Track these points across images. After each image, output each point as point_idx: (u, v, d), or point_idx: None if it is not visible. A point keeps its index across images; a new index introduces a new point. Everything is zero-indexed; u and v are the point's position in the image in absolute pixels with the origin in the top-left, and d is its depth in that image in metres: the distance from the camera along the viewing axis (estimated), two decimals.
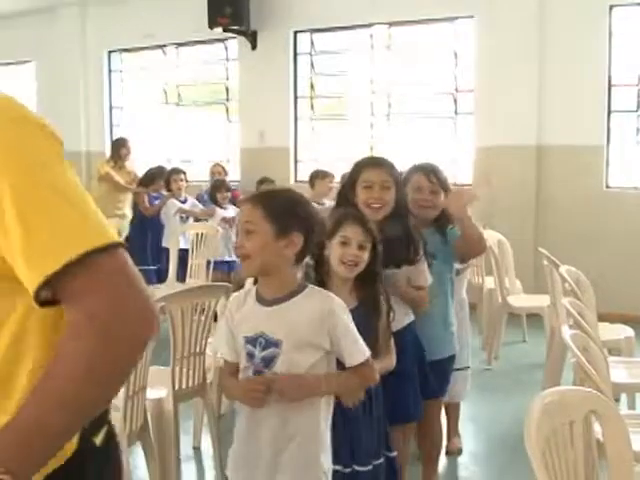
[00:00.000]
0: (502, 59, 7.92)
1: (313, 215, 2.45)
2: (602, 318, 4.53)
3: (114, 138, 9.34)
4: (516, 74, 7.86)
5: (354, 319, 2.56)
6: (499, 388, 5.53)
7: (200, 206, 8.13)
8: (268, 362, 2.40)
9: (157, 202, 8.25)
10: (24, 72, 11.98)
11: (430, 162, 3.80)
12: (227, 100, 10.32)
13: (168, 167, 8.80)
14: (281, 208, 2.37)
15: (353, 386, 2.53)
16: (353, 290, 2.90)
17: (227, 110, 10.33)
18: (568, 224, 7.67)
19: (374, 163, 3.37)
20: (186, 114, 10.72)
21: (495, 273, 6.16)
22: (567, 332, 2.91)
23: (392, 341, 3.01)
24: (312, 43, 9.52)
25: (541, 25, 7.79)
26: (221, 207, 7.92)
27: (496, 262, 6.13)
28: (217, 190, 8.03)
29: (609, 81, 7.71)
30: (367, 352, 2.47)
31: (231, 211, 7.85)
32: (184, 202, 8.05)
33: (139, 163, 9.34)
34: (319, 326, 2.39)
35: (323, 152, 9.51)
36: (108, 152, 11.13)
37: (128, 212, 8.90)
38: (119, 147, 9.12)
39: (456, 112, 8.70)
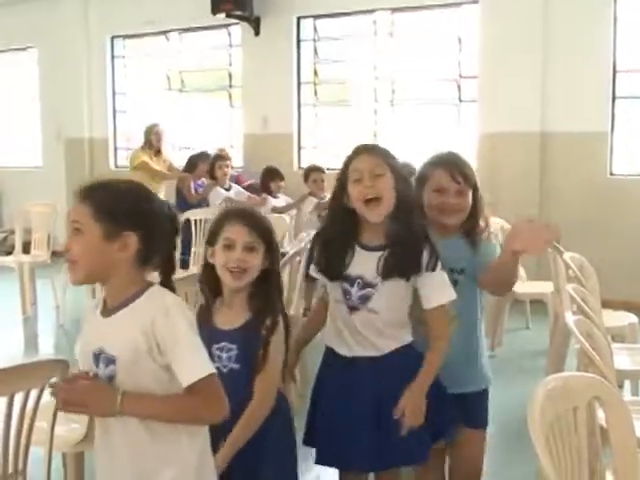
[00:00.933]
0: (506, 45, 7.89)
1: (154, 210, 2.06)
2: (605, 305, 4.51)
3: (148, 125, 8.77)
4: (520, 60, 7.83)
5: (244, 334, 2.45)
6: (502, 374, 5.50)
7: (246, 193, 7.90)
8: (110, 381, 2.01)
9: (201, 190, 8.03)
10: (26, 58, 11.95)
11: (452, 152, 2.99)
12: (230, 86, 10.29)
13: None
14: (111, 204, 2.01)
15: (186, 411, 2.01)
16: (247, 301, 2.54)
17: (230, 96, 10.31)
18: (571, 211, 7.65)
19: (360, 150, 2.68)
20: (189, 100, 10.71)
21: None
22: (571, 318, 2.90)
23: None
24: (315, 29, 9.49)
25: (545, 11, 7.76)
26: (273, 196, 7.79)
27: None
28: (270, 178, 7.88)
29: (614, 67, 7.67)
30: (208, 369, 1.97)
31: (282, 200, 7.76)
32: (228, 190, 7.81)
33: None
34: (151, 332, 1.95)
35: (326, 138, 9.50)
36: (112, 138, 11.17)
37: None
38: (148, 134, 8.63)
39: (460, 99, 8.68)
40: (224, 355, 2.47)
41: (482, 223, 2.88)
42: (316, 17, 9.41)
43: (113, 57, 11.18)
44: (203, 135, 10.45)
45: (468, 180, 2.83)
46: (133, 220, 2.00)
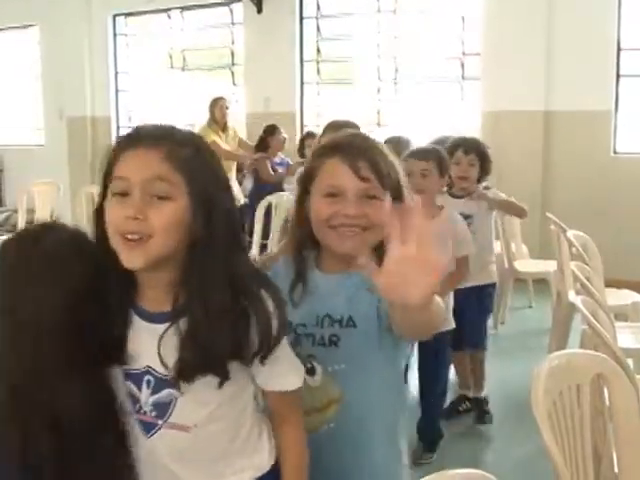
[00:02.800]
0: (510, 23, 7.83)
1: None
2: (609, 284, 4.52)
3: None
4: (524, 38, 7.78)
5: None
6: (505, 353, 5.53)
7: None
8: None
9: (281, 168, 7.80)
10: (28, 36, 11.89)
11: (357, 134, 2.09)
12: (232, 64, 10.24)
13: None
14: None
15: None
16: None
17: (232, 75, 10.26)
18: (575, 189, 7.63)
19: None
20: (191, 79, 10.66)
21: (501, 238, 6.14)
22: (575, 297, 2.90)
23: None
24: (318, 7, 9.42)
25: None
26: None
27: (502, 227, 6.10)
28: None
29: (618, 45, 7.62)
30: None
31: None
32: None
33: None
34: None
35: (329, 117, 9.45)
36: (114, 117, 11.14)
37: (234, 184, 7.67)
38: (212, 109, 8.15)
39: (463, 76, 8.64)
40: None
41: None
42: None
43: (115, 35, 11.12)
44: (205, 113, 10.40)
45: (382, 177, 1.79)
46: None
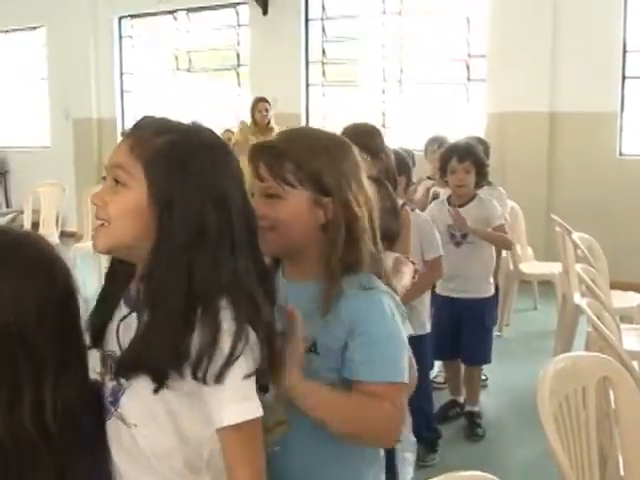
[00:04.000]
0: (515, 24, 7.83)
1: None
2: (614, 286, 4.51)
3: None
4: (529, 40, 7.77)
5: None
6: (510, 355, 5.53)
7: None
8: None
9: None
10: (34, 38, 11.93)
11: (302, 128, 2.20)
12: (238, 66, 10.26)
13: None
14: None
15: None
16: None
17: (238, 76, 10.28)
18: (580, 191, 7.62)
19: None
20: (197, 80, 10.68)
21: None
22: (581, 299, 2.90)
23: None
24: (323, 8, 9.43)
25: None
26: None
27: (507, 229, 6.09)
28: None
29: (624, 46, 7.61)
30: None
31: None
32: None
33: None
34: None
35: (334, 118, 9.46)
36: (119, 118, 11.15)
37: None
38: (252, 110, 8.08)
39: (468, 78, 8.63)
40: None
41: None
42: None
43: (121, 37, 11.15)
44: (211, 115, 10.43)
45: (278, 177, 1.70)
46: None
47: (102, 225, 1.47)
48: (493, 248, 4.44)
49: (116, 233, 1.46)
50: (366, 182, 1.75)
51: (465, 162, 4.27)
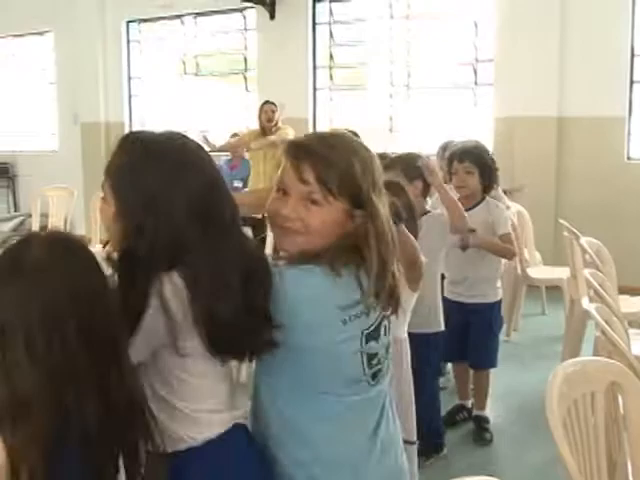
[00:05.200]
0: (523, 29, 7.83)
1: None
2: (622, 290, 4.50)
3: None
4: (537, 44, 7.77)
5: None
6: (518, 360, 5.52)
7: None
8: None
9: None
10: (43, 43, 11.97)
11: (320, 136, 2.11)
12: (245, 70, 10.27)
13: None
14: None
15: None
16: None
17: (245, 80, 10.29)
18: (588, 196, 7.60)
19: None
20: (204, 84, 10.70)
21: (514, 244, 6.11)
22: (589, 304, 2.90)
23: None
24: (331, 12, 9.44)
25: None
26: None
27: (515, 233, 6.08)
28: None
29: (632, 51, 7.60)
30: None
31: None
32: None
33: None
34: None
35: (342, 123, 9.46)
36: (127, 122, 11.18)
37: None
38: (258, 112, 7.96)
39: (476, 82, 8.63)
40: None
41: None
42: (332, 0, 9.36)
43: (129, 41, 11.17)
44: (218, 119, 10.45)
45: (325, 184, 1.74)
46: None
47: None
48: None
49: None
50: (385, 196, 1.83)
51: (464, 162, 4.23)
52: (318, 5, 9.43)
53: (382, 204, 1.78)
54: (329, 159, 1.74)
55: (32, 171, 11.52)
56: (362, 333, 1.80)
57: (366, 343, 1.81)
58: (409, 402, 3.03)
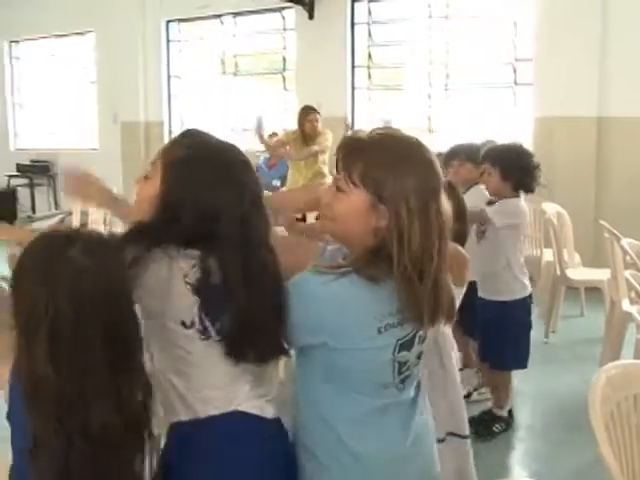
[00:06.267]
0: (562, 27, 7.76)
1: None
2: None
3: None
4: (577, 43, 7.70)
5: None
6: (556, 362, 5.49)
7: None
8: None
9: None
10: (84, 42, 12.13)
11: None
12: (284, 70, 10.32)
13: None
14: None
15: None
16: None
17: (284, 80, 10.33)
18: (628, 197, 7.52)
19: None
20: (243, 84, 10.76)
21: (554, 245, 6.09)
22: (630, 306, 2.88)
23: None
24: (369, 12, 9.45)
25: None
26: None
27: (555, 234, 6.05)
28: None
29: None
30: None
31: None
32: None
33: None
34: None
35: (380, 122, 9.46)
36: (166, 122, 11.28)
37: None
38: (300, 119, 7.78)
39: (515, 82, 8.58)
40: None
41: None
42: (370, 0, 9.37)
43: (168, 41, 11.28)
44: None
45: (351, 174, 1.80)
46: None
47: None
48: (510, 252, 4.10)
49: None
50: (436, 204, 1.77)
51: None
52: (357, 5, 9.43)
53: (417, 211, 1.73)
54: (359, 149, 1.81)
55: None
56: (396, 342, 1.81)
57: (399, 352, 1.82)
58: (456, 396, 2.95)
